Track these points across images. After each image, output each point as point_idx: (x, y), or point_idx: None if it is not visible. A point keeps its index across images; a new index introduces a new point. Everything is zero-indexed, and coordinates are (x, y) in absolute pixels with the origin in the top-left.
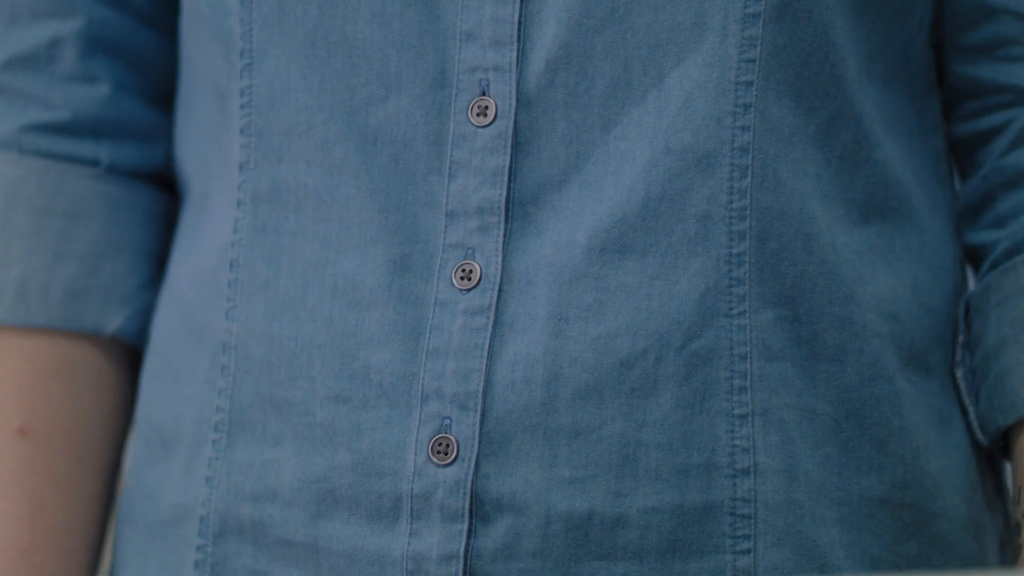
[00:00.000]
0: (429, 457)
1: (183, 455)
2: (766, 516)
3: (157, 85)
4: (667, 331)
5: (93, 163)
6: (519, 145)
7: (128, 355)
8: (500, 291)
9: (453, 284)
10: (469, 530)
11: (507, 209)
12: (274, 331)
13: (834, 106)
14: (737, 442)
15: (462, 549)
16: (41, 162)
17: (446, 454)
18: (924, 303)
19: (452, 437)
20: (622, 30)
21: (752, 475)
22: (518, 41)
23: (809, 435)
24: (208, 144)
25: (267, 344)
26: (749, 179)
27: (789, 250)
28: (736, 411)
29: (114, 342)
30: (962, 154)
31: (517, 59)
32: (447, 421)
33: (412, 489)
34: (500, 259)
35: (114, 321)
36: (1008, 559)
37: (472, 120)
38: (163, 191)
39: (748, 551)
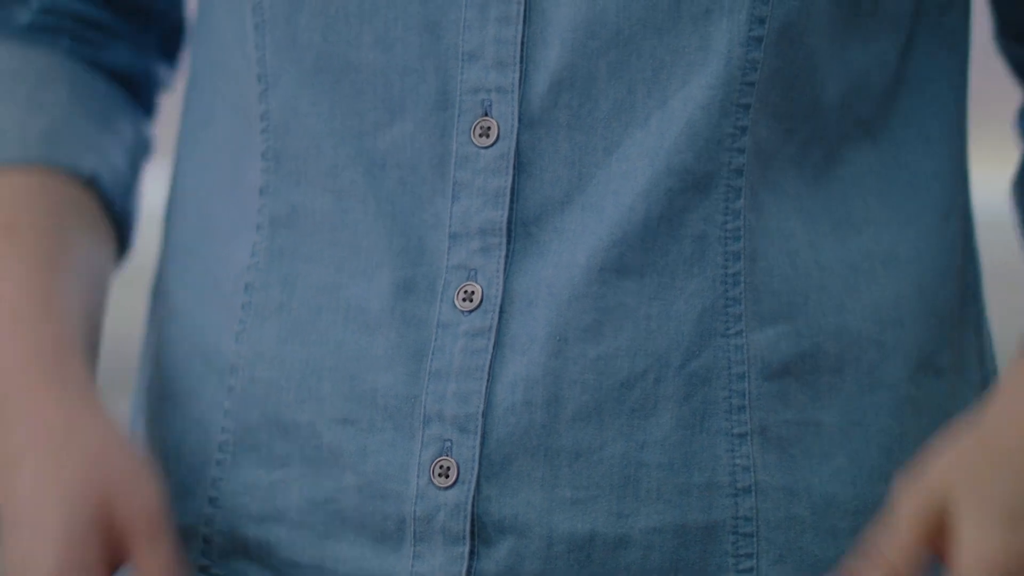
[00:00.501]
0: (431, 480)
1: (187, 476)
2: (768, 534)
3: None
4: (666, 351)
5: (54, 46)
6: (521, 166)
7: (106, 214)
8: (501, 312)
9: (455, 306)
10: (471, 552)
11: (509, 230)
12: (285, 354)
13: (809, 127)
14: (737, 461)
15: (464, 571)
16: (5, 42)
17: (447, 477)
18: (930, 306)
19: (452, 460)
20: (627, 52)
21: (753, 493)
22: (521, 62)
23: (815, 449)
24: (223, 164)
25: (277, 366)
26: (742, 200)
27: (779, 268)
28: (735, 430)
29: (91, 194)
30: None
31: (520, 80)
32: (448, 443)
33: (415, 512)
34: (501, 280)
35: (88, 161)
36: None
37: (474, 141)
38: (124, 88)
39: (751, 569)
